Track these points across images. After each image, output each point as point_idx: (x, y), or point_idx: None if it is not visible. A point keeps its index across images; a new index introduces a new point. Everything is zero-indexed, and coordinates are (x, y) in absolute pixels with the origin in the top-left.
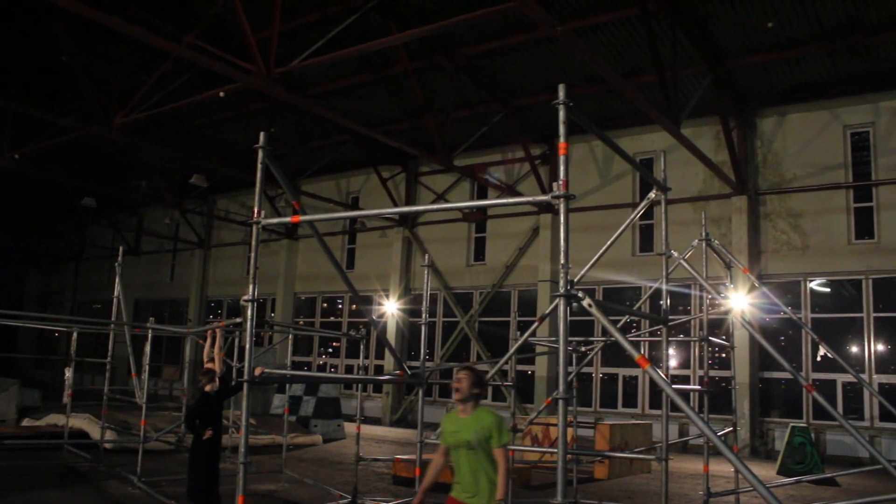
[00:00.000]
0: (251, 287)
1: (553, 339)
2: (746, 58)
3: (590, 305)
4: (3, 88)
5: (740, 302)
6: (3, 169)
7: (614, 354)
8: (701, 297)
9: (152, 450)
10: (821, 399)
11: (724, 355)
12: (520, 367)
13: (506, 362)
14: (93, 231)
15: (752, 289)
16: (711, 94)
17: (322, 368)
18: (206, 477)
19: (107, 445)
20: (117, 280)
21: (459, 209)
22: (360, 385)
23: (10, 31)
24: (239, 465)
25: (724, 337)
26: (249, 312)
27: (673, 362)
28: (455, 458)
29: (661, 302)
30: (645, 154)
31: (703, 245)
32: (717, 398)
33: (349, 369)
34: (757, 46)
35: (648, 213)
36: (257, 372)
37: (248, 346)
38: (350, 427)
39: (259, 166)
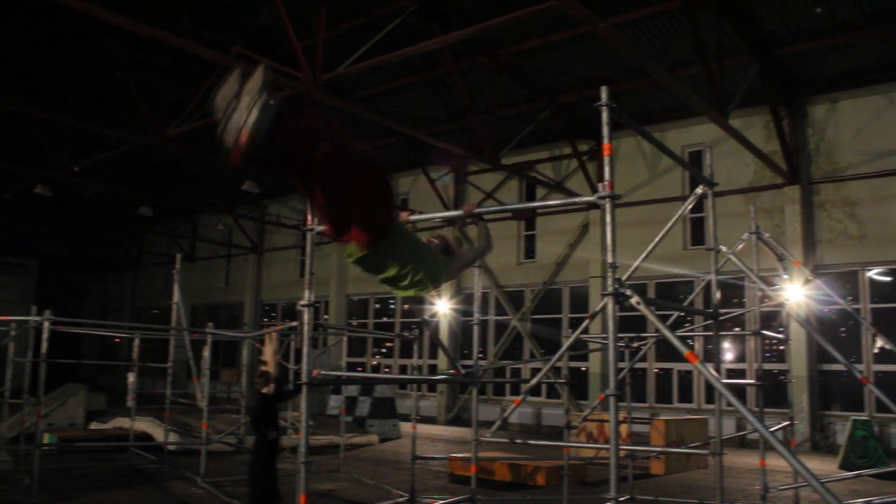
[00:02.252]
0: (307, 292)
1: (605, 335)
2: (795, 45)
3: (638, 303)
4: (60, 104)
5: (795, 294)
6: (63, 182)
7: (668, 349)
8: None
9: (214, 451)
10: (877, 392)
11: (781, 348)
12: (573, 364)
13: (558, 360)
14: (149, 239)
15: (806, 280)
16: (759, 84)
17: (376, 369)
18: (267, 477)
19: (170, 447)
20: (175, 286)
21: (507, 210)
22: (414, 385)
23: (64, 49)
24: (299, 465)
25: (780, 329)
26: (306, 317)
27: (729, 356)
28: None
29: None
30: (693, 146)
31: (754, 238)
32: (776, 392)
33: (403, 369)
34: (805, 33)
35: (699, 206)
36: (314, 374)
37: (304, 350)
38: (405, 426)
39: None
